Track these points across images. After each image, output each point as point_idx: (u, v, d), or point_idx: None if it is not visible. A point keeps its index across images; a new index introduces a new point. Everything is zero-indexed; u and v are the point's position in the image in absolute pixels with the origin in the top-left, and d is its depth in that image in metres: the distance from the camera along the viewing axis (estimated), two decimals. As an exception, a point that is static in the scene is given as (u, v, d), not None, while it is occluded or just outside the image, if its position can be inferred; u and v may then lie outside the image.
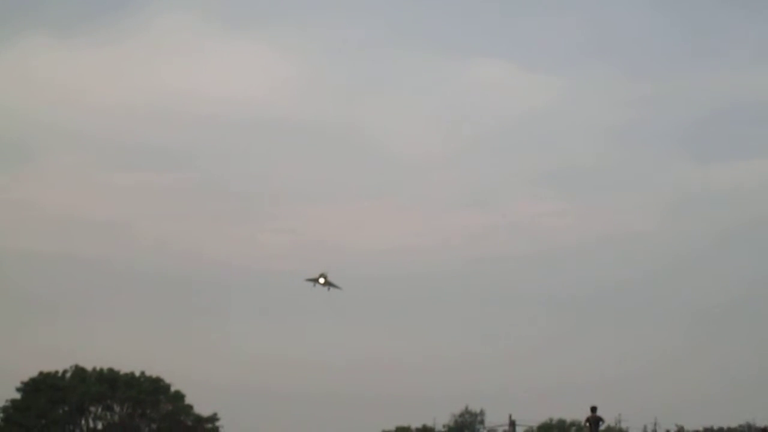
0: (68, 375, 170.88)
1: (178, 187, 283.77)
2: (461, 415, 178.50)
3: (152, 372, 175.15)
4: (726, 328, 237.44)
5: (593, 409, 79.83)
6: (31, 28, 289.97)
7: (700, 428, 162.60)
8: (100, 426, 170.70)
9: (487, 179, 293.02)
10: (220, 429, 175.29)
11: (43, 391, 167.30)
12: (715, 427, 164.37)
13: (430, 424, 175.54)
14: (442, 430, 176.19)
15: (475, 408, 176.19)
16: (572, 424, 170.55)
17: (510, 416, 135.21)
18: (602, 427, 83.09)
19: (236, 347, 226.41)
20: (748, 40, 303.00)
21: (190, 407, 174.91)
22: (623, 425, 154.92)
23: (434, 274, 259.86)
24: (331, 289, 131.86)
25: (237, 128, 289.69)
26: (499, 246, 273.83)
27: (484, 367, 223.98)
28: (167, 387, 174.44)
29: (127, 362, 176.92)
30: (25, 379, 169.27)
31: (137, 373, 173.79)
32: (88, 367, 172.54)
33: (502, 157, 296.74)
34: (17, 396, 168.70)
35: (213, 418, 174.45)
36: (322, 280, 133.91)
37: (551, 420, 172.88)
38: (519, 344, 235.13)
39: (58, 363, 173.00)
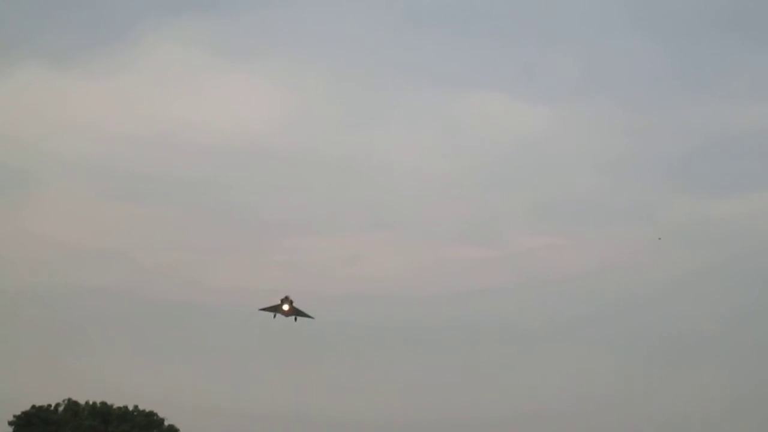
0: (61, 409, 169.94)
1: (178, 216, 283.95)
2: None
3: (145, 406, 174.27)
4: (698, 357, 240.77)
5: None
6: (30, 58, 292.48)
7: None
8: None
9: (483, 212, 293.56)
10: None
11: (35, 425, 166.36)
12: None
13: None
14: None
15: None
16: None
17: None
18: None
19: (235, 378, 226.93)
20: (741, 73, 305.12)
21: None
22: None
23: (429, 305, 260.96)
24: (299, 319, 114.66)
25: (237, 159, 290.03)
26: (493, 278, 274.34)
27: (470, 396, 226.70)
28: (161, 421, 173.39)
29: (121, 396, 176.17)
30: (18, 412, 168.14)
31: (130, 407, 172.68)
32: (81, 400, 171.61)
33: (497, 189, 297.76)
34: (9, 430, 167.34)
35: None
36: (286, 307, 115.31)
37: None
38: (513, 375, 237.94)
39: (51, 396, 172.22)
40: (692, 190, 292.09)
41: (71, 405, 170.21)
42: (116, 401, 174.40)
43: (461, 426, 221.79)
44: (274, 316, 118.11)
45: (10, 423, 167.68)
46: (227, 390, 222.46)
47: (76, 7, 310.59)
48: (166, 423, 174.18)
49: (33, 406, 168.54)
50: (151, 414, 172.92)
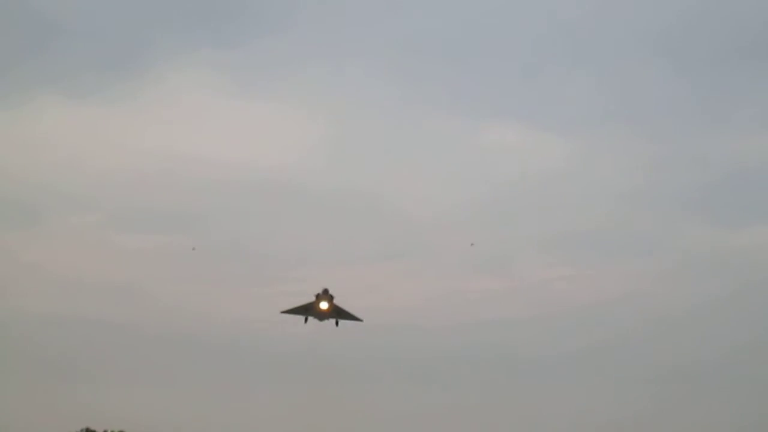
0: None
1: (188, 249, 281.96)
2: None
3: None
4: (712, 386, 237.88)
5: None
6: (42, 86, 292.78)
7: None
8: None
9: (499, 243, 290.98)
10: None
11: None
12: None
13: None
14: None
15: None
16: None
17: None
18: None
19: (248, 407, 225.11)
20: (758, 104, 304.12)
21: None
22: None
23: (444, 335, 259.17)
24: (342, 323, 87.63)
25: (249, 191, 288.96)
26: (508, 308, 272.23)
27: (485, 424, 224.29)
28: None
29: (138, 425, 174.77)
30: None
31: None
32: (99, 429, 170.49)
33: (513, 220, 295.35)
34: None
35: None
36: (324, 305, 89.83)
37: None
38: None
39: (69, 425, 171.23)
40: (709, 222, 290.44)
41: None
42: (133, 430, 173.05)
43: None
44: (306, 321, 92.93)
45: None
46: (240, 419, 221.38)
47: (83, 38, 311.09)
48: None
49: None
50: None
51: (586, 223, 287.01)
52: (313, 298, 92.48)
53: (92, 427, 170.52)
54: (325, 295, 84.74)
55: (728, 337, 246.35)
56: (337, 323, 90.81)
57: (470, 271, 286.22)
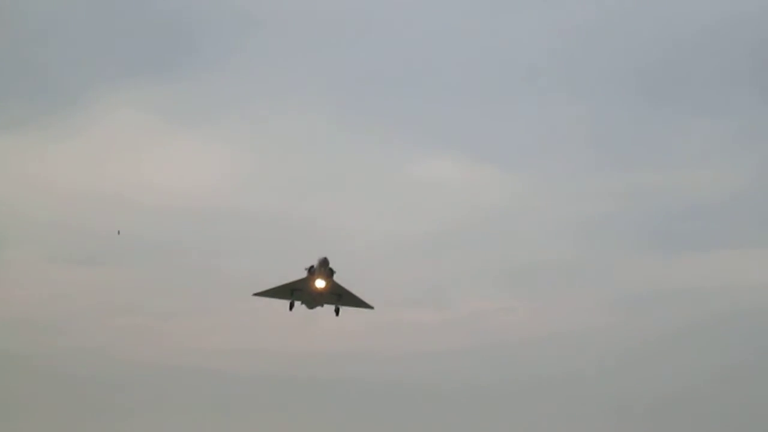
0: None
1: (124, 281, 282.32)
2: None
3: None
4: (662, 420, 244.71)
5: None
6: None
7: None
8: None
9: (439, 275, 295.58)
10: None
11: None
12: None
13: None
14: None
15: None
16: None
17: None
18: None
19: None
20: (692, 139, 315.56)
21: None
22: None
23: (384, 366, 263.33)
24: (343, 311, 75.00)
25: (194, 221, 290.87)
26: (447, 340, 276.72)
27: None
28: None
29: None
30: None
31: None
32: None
33: (455, 252, 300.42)
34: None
35: None
36: (321, 284, 72.27)
37: None
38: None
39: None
40: (654, 254, 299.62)
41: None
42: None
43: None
44: (291, 307, 75.60)
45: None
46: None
47: (27, 74, 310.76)
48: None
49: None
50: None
51: (530, 256, 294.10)
52: (304, 274, 72.41)
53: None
54: (323, 268, 68.92)
55: (682, 369, 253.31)
56: (337, 311, 70.60)
57: (409, 303, 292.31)
